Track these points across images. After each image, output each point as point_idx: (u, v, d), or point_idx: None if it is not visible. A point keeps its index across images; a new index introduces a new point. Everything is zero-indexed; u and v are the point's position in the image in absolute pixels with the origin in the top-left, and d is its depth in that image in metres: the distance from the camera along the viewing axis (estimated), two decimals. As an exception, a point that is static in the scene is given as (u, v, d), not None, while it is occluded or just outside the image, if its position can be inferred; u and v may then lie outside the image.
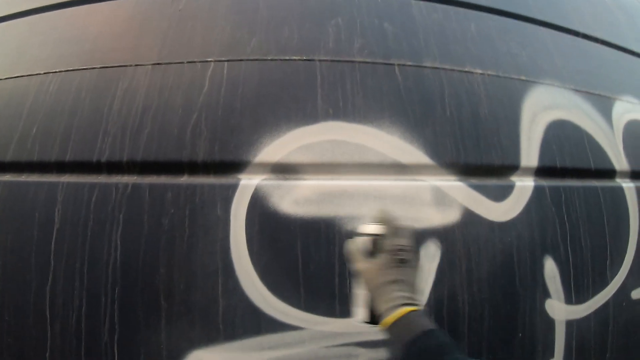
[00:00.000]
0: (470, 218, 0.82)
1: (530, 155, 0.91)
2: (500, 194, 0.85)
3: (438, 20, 1.01)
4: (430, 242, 0.79)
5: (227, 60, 0.87)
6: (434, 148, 0.83)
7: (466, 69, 0.94)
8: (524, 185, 0.88)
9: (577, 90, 1.07)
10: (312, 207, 0.77)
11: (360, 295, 0.59)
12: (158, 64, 0.88)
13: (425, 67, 0.92)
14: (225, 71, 0.85)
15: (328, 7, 0.95)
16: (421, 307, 0.52)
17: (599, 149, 1.04)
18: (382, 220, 0.59)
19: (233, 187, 0.77)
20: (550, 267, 0.87)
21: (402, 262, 0.56)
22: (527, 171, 0.90)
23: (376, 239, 0.58)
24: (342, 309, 0.75)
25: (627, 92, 1.21)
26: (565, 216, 0.91)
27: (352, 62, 0.89)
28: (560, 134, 0.98)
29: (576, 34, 1.24)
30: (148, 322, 0.72)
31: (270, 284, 0.74)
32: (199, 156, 0.77)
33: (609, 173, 1.04)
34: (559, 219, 0.90)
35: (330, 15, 0.93)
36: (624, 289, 1.01)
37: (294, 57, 0.88)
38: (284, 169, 0.78)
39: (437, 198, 0.81)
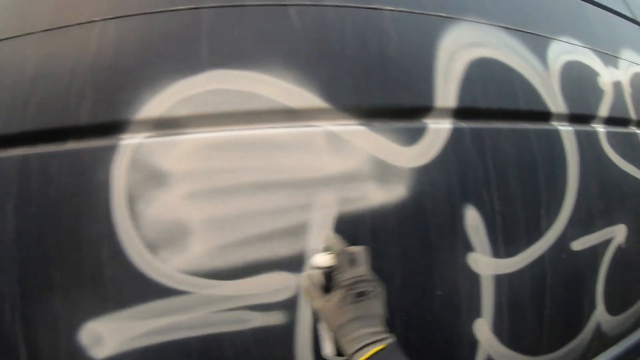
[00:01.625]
0: (373, 164, 0.73)
1: (447, 96, 0.82)
2: (410, 138, 0.76)
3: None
4: (327, 192, 0.70)
5: (114, 18, 0.78)
6: (330, 91, 0.75)
7: (374, 6, 0.84)
8: (438, 127, 0.79)
9: (507, 29, 0.98)
10: (195, 162, 0.69)
11: (324, 329, 0.55)
12: (49, 29, 0.78)
13: (326, 5, 0.82)
14: (112, 30, 0.76)
15: None
16: (390, 340, 0.49)
17: (532, 90, 0.96)
18: (334, 248, 0.55)
19: (113, 149, 0.70)
20: (472, 217, 0.79)
21: (361, 295, 0.52)
22: (443, 112, 0.81)
23: (329, 271, 0.54)
24: (231, 271, 0.67)
25: (567, 33, 1.12)
26: (490, 161, 0.83)
27: (243, 6, 0.79)
28: (486, 73, 0.89)
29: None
30: (43, 296, 0.67)
31: (153, 247, 0.67)
32: (81, 121, 0.71)
33: (543, 115, 0.96)
34: (482, 164, 0.81)
35: None
36: (563, 240, 0.93)
37: (181, 7, 0.78)
38: (165, 125, 0.71)
39: (333, 144, 0.72)
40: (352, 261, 0.55)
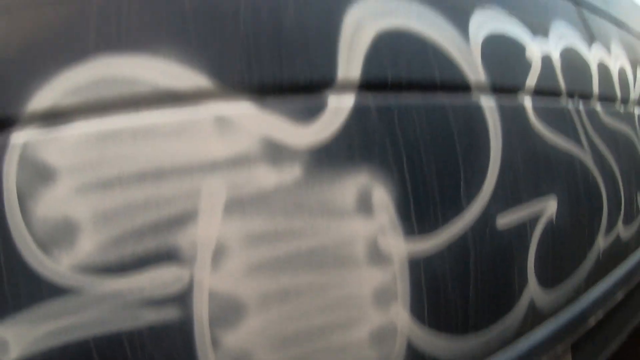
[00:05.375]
0: (265, 146, 0.67)
1: (351, 69, 0.77)
2: (306, 115, 0.71)
3: None
4: (215, 178, 0.64)
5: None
6: (218, 70, 0.69)
7: (273, -25, 0.77)
8: (340, 102, 0.74)
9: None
10: (80, 155, 0.64)
11: None
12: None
13: (217, -24, 0.74)
14: (3, 22, 0.68)
15: None
16: None
17: (448, 60, 0.91)
18: None
19: (3, 146, 0.63)
20: (379, 196, 0.74)
21: None
22: (346, 86, 0.76)
23: None
24: (122, 266, 0.62)
25: (493, 3, 1.09)
26: (399, 135, 0.77)
27: None
28: (396, 44, 0.84)
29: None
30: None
31: (45, 246, 0.62)
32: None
33: (461, 87, 0.92)
34: (390, 139, 0.76)
35: None
36: (486, 217, 0.90)
37: None
38: (52, 117, 0.65)
39: (220, 126, 0.66)
40: None
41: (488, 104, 0.95)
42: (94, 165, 0.64)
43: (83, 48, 0.66)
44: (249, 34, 0.73)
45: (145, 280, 0.63)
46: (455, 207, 0.85)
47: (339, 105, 0.74)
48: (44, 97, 0.64)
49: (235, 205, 0.66)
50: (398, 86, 0.82)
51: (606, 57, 1.58)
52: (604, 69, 1.53)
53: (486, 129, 0.93)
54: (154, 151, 0.65)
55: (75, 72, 0.65)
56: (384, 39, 0.83)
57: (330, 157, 0.71)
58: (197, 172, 0.66)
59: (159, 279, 0.64)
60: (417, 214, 0.79)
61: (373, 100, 0.77)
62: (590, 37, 1.49)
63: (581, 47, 1.40)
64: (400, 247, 0.77)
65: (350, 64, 0.78)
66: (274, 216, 0.68)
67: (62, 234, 0.63)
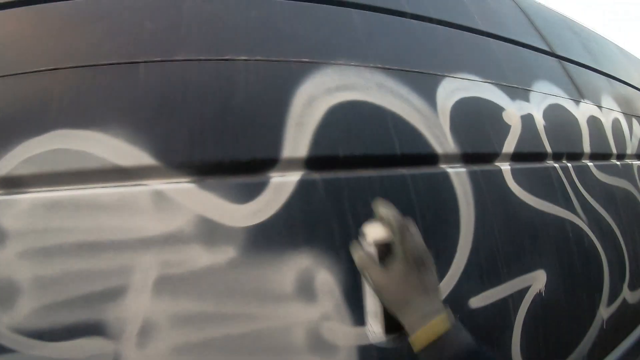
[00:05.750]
0: (200, 225, 0.66)
1: (298, 146, 0.76)
2: (246, 194, 0.69)
3: (211, 11, 0.90)
4: (148, 255, 0.64)
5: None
6: (162, 148, 0.71)
7: (227, 57, 0.81)
8: (283, 181, 0.73)
9: (385, 69, 0.94)
10: (29, 221, 0.67)
11: (374, 311, 0.50)
12: None
13: (175, 60, 0.80)
14: None
15: (94, 12, 0.87)
16: (453, 320, 0.44)
17: (412, 131, 0.89)
18: (387, 218, 0.49)
19: None
20: (324, 280, 0.70)
21: (423, 266, 0.48)
22: (291, 164, 0.75)
23: (386, 242, 0.49)
24: (54, 332, 0.62)
25: (463, 70, 1.08)
26: (348, 214, 0.74)
27: (96, 65, 0.78)
28: (350, 118, 0.83)
29: (402, 14, 1.13)
30: None
31: None
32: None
33: (427, 159, 0.89)
34: (338, 217, 0.73)
35: (93, 20, 0.85)
36: (458, 296, 0.82)
37: (40, 69, 0.79)
38: (9, 183, 0.70)
39: (158, 204, 0.66)
40: (407, 230, 0.49)
41: (457, 173, 0.91)
42: (40, 232, 0.67)
43: (45, 121, 0.72)
44: (195, 115, 0.75)
45: (72, 350, 0.63)
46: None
47: (282, 185, 0.73)
48: (4, 165, 0.69)
49: (166, 284, 0.65)
50: (351, 162, 0.80)
51: (597, 111, 1.51)
52: (595, 124, 1.45)
53: (455, 200, 0.88)
54: (94, 224, 0.67)
55: (34, 143, 0.70)
56: (337, 113, 0.83)
57: (267, 238, 0.68)
58: (131, 248, 0.66)
59: (85, 351, 0.63)
60: (367, 298, 0.72)
61: (321, 177, 0.75)
62: (578, 93, 1.44)
63: (567, 104, 1.35)
64: (347, 334, 0.70)
65: (297, 141, 0.77)
66: (204, 298, 0.66)
67: (4, 294, 0.64)
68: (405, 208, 0.82)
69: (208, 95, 0.77)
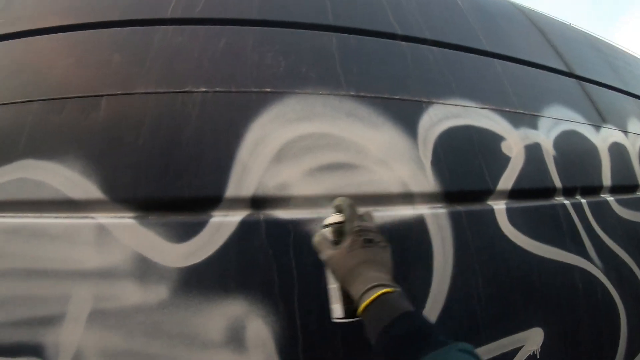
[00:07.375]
0: (134, 262, 0.66)
1: (243, 184, 0.73)
2: (183, 234, 0.67)
3: (180, 43, 0.91)
4: (84, 286, 0.66)
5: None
6: (111, 182, 0.73)
7: (186, 89, 0.80)
8: (223, 220, 0.69)
9: (358, 97, 0.88)
10: None
11: (333, 290, 0.56)
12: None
13: (134, 94, 0.80)
14: None
15: (68, 44, 0.92)
16: (397, 289, 0.49)
17: (381, 169, 0.82)
18: (342, 208, 0.58)
19: None
20: (255, 331, 0.64)
21: (370, 242, 0.54)
22: (235, 203, 0.71)
23: (339, 226, 0.57)
24: (3, 351, 0.65)
25: (455, 95, 0.99)
26: (292, 260, 0.69)
27: (64, 98, 0.83)
28: (306, 152, 0.78)
29: (392, 36, 1.07)
30: None
31: None
32: None
33: (395, 198, 0.81)
34: (280, 264, 0.68)
35: (66, 54, 0.90)
36: None
37: (12, 101, 0.85)
38: None
39: (99, 238, 0.67)
40: (360, 215, 0.57)
41: (435, 214, 0.82)
42: (-1, 256, 0.69)
43: (13, 151, 0.76)
44: (144, 150, 0.74)
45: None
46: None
47: (221, 225, 0.69)
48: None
49: (98, 317, 0.65)
50: (302, 201, 0.74)
51: (622, 137, 1.30)
52: (619, 152, 1.25)
53: (428, 248, 0.79)
54: (42, 253, 0.69)
55: (1, 171, 0.74)
56: (292, 148, 0.78)
57: (199, 282, 0.65)
58: (70, 278, 0.67)
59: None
60: (307, 356, 0.66)
61: (264, 218, 0.70)
62: (600, 117, 1.26)
63: (585, 130, 1.18)
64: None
65: (244, 178, 0.73)
66: (132, 335, 0.64)
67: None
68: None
69: (160, 128, 0.76)
